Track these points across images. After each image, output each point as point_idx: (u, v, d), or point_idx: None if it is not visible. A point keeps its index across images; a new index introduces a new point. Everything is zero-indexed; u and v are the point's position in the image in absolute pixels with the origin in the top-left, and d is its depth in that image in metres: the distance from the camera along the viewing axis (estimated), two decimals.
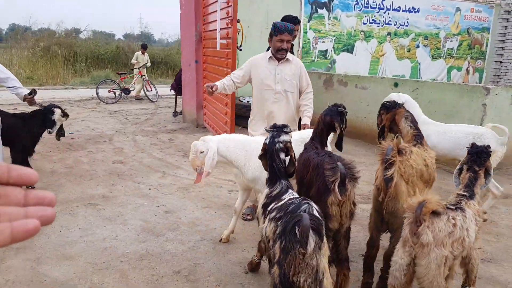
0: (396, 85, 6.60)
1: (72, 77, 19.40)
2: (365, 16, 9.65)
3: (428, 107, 6.12)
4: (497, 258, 3.52)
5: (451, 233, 2.15)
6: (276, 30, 3.76)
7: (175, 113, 9.67)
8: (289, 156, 2.48)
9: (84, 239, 3.57)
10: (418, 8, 10.26)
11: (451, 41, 11.07)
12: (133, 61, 13.01)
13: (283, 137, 2.46)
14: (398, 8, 9.98)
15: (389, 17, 9.95)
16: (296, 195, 2.27)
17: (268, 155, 2.45)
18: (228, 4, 5.60)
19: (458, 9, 10.95)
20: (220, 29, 5.95)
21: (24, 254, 3.25)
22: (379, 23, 9.86)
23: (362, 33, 9.70)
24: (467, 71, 11.62)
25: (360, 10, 9.54)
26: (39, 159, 5.75)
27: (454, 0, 10.81)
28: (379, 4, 9.74)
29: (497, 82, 11.93)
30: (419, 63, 10.72)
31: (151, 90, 12.76)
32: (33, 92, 4.40)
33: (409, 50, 10.42)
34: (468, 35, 11.34)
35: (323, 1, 9.03)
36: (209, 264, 3.25)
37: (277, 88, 3.90)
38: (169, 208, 4.28)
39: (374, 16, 9.75)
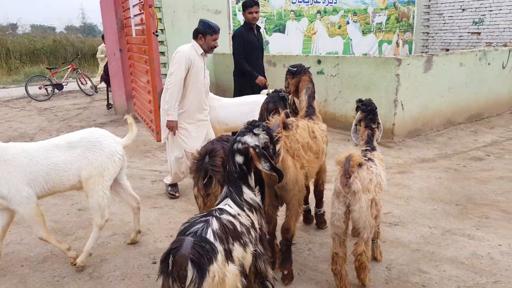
0: (319, 62, 6.70)
1: (6, 75, 18.31)
2: None
3: (349, 81, 6.29)
4: (404, 221, 3.71)
5: (371, 180, 2.56)
6: (211, 30, 3.96)
7: (109, 106, 9.36)
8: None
9: None
10: None
11: (379, 15, 11.35)
12: (99, 55, 12.08)
13: (246, 138, 2.15)
14: None
15: None
16: (221, 207, 2.03)
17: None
18: None
19: None
20: (134, 15, 5.76)
21: None
22: (308, 2, 9.92)
23: (292, 12, 9.73)
24: (397, 44, 12.00)
25: None
26: None
27: None
28: None
29: (426, 52, 12.40)
30: (351, 39, 10.94)
31: (86, 84, 12.27)
32: None
33: (339, 27, 10.59)
34: (395, 9, 11.67)
35: None
36: (117, 259, 3.20)
37: (206, 82, 4.24)
38: (84, 206, 4.16)
39: None
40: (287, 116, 3.39)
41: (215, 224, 1.80)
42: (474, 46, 11.41)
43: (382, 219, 3.70)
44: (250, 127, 2.23)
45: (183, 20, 8.07)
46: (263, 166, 2.12)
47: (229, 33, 8.75)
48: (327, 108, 6.67)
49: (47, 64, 18.90)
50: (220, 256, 1.71)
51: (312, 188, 3.54)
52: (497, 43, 11.31)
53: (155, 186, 4.73)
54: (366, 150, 2.90)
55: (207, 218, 1.84)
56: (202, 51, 4.03)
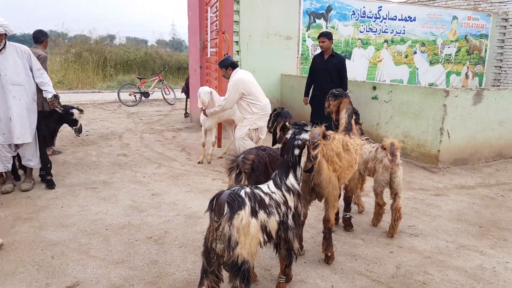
0: (374, 88, 7.24)
1: (102, 81, 20.71)
2: (362, 25, 10.29)
3: (400, 108, 6.75)
4: (425, 233, 4.15)
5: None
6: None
7: (186, 114, 10.58)
8: (307, 154, 2.85)
9: (80, 213, 4.43)
10: (415, 17, 10.80)
11: (449, 47, 11.51)
12: None
13: (303, 135, 2.85)
14: (394, 18, 10.56)
15: (386, 26, 10.54)
16: (267, 185, 2.74)
17: (286, 149, 2.85)
18: (216, 17, 6.43)
19: (455, 18, 11.40)
20: (211, 39, 6.79)
21: (30, 222, 4.15)
22: (375, 31, 10.46)
23: (359, 40, 10.33)
24: (466, 75, 12.00)
25: (357, 20, 10.20)
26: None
27: (450, 9, 11.26)
28: (376, 14, 10.36)
29: (498, 85, 12.22)
30: (417, 68, 11.22)
31: (169, 94, 13.78)
32: (53, 97, 5.00)
33: (406, 56, 10.94)
34: (466, 42, 11.73)
35: (320, 11, 9.76)
36: (177, 232, 4.04)
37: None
38: (156, 192, 5.11)
39: (371, 25, 10.38)
40: (328, 129, 4.14)
41: (248, 190, 2.55)
42: None
43: (404, 229, 4.22)
44: (302, 126, 2.96)
45: (257, 44, 9.04)
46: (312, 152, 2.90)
47: (297, 57, 9.57)
48: (379, 131, 7.16)
49: (138, 73, 21.08)
50: (248, 208, 2.44)
51: (342, 194, 4.16)
52: None
53: (215, 183, 5.57)
54: (367, 139, 4.31)
55: (244, 186, 2.60)
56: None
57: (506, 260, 3.63)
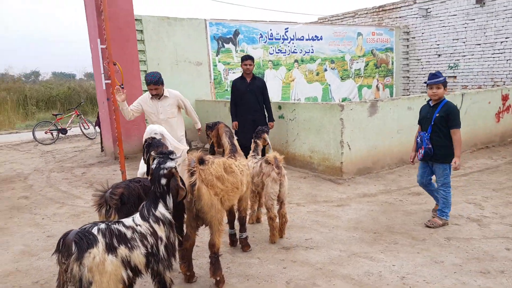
0: (279, 107, 7.47)
1: (24, 120, 19.63)
2: (271, 47, 10.67)
3: (304, 125, 7.00)
4: (320, 245, 4.25)
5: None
6: (146, 82, 5.30)
7: (102, 148, 10.22)
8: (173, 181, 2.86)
9: None
10: (321, 36, 11.40)
11: (357, 62, 12.24)
12: None
13: (169, 164, 2.85)
14: (302, 38, 11.07)
15: (294, 46, 11.01)
16: (132, 218, 2.70)
17: (152, 179, 2.83)
18: (106, 47, 6.32)
19: (359, 34, 12.18)
20: (103, 72, 6.68)
21: None
22: (285, 52, 10.88)
23: (270, 62, 10.68)
24: (377, 88, 12.79)
25: (265, 42, 10.56)
26: None
27: (354, 26, 12.03)
28: (283, 36, 10.81)
29: (408, 95, 13.12)
30: (329, 85, 11.78)
31: (88, 128, 13.31)
32: None
33: (317, 74, 11.47)
34: (373, 56, 12.54)
35: (228, 36, 10.00)
36: None
37: (161, 117, 5.36)
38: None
39: (280, 46, 10.79)
40: (212, 152, 4.19)
41: (102, 226, 2.47)
42: (452, 89, 12.10)
43: (301, 243, 4.30)
44: (167, 155, 2.94)
45: (166, 71, 9.02)
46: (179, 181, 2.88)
47: (211, 82, 9.67)
48: (288, 149, 7.36)
49: (63, 109, 20.21)
50: (102, 245, 2.37)
51: (237, 215, 4.18)
52: (472, 85, 11.99)
53: None
54: (253, 155, 4.71)
55: (98, 223, 2.51)
56: (151, 95, 5.38)
57: (392, 264, 3.79)
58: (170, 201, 2.92)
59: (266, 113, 6.86)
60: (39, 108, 20.95)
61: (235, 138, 4.21)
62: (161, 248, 2.76)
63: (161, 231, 2.78)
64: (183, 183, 3.01)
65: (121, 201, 3.03)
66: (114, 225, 2.58)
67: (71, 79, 31.51)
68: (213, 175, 3.41)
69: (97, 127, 10.55)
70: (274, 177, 4.16)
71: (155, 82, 5.20)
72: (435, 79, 4.36)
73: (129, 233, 2.62)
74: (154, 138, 3.99)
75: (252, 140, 4.79)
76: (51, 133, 12.69)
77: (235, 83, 6.95)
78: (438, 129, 4.42)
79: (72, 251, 2.27)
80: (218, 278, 3.47)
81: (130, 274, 2.56)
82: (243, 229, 4.17)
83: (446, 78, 4.78)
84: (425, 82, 4.59)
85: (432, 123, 4.44)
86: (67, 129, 13.16)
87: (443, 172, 4.48)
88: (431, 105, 4.54)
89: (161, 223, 2.80)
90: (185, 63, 9.34)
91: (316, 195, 5.95)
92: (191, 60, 9.46)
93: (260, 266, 3.84)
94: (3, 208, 5.78)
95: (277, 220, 4.31)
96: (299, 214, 5.20)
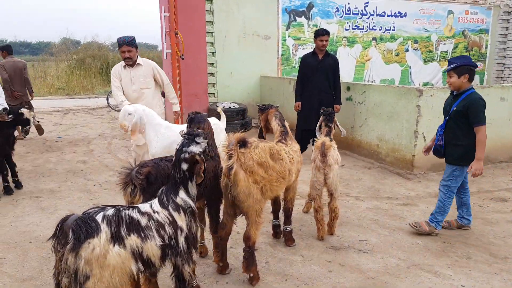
0: (348, 88, 6.79)
1: (104, 86, 20.70)
2: (347, 23, 9.82)
3: (374, 109, 6.29)
4: (376, 250, 3.69)
5: (333, 157, 3.83)
6: (118, 45, 4.73)
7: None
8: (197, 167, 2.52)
9: (12, 224, 4.14)
10: (405, 13, 10.27)
11: (445, 44, 10.93)
12: None
13: (192, 148, 2.50)
14: (383, 14, 10.05)
15: (374, 23, 10.04)
16: (150, 204, 2.39)
17: (174, 162, 2.52)
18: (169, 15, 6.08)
19: (450, 12, 10.81)
20: (164, 41, 6.47)
21: None
22: (362, 29, 9.98)
23: (344, 39, 9.86)
24: None
25: (341, 17, 9.73)
26: (17, 159, 6.47)
27: (445, 3, 10.69)
28: (362, 10, 9.87)
29: (501, 83, 11.57)
30: (410, 67, 10.68)
31: None
32: (3, 110, 4.82)
33: (397, 54, 10.42)
34: (464, 38, 11.13)
35: (301, 9, 9.33)
36: None
37: (133, 88, 4.89)
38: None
39: (357, 22, 9.90)
40: (260, 136, 3.76)
41: (109, 212, 2.16)
42: None
43: (353, 244, 3.78)
44: (192, 137, 2.58)
45: (233, 45, 8.69)
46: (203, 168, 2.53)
47: (278, 58, 9.17)
48: (353, 135, 6.71)
49: None
50: (105, 234, 2.06)
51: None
52: None
53: None
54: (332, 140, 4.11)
55: (106, 207, 2.20)
56: (124, 63, 4.88)
57: (461, 284, 3.16)
58: (193, 187, 2.56)
59: (334, 95, 6.28)
60: None
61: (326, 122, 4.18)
62: (181, 240, 2.43)
63: (181, 221, 2.44)
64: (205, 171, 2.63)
65: (148, 181, 2.74)
66: (126, 211, 2.26)
67: (154, 49, 32.79)
68: (255, 160, 2.99)
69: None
70: (317, 165, 3.79)
71: (128, 43, 4.71)
72: (448, 67, 3.75)
73: (144, 221, 2.29)
74: (198, 112, 3.65)
75: (323, 123, 4.26)
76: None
77: (304, 59, 6.42)
78: (455, 124, 3.76)
79: (69, 240, 1.98)
80: (251, 275, 3.10)
81: (142, 267, 2.24)
82: (287, 221, 3.74)
83: (469, 63, 3.71)
84: None
85: (448, 117, 3.81)
86: None
87: (451, 173, 3.83)
88: (453, 95, 3.87)
89: (181, 211, 2.46)
90: (253, 36, 8.91)
91: (379, 189, 5.31)
92: (259, 34, 9.00)
93: (302, 266, 3.41)
94: (61, 171, 5.90)
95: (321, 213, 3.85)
96: (357, 209, 4.63)
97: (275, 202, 3.77)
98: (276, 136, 3.62)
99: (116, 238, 2.12)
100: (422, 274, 3.28)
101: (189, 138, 2.59)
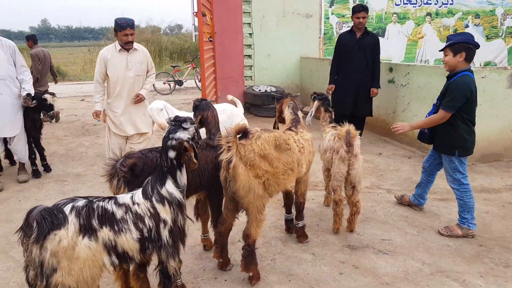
0: (391, 69, 6.22)
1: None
2: None
3: (418, 93, 5.72)
4: (398, 251, 3.32)
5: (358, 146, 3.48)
6: (119, 27, 4.40)
7: None
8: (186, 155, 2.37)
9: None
10: None
11: None
12: None
13: (179, 134, 2.35)
14: None
15: None
16: (132, 195, 2.28)
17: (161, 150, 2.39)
18: None
19: None
20: (193, 23, 6.26)
21: None
22: (415, 4, 9.11)
23: (394, 15, 9.08)
24: None
25: None
26: (53, 142, 6.71)
27: None
28: None
29: None
30: None
31: None
32: (26, 96, 4.81)
33: (455, 31, 9.43)
34: None
35: None
36: None
37: (129, 74, 4.64)
38: None
39: None
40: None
41: (80, 203, 2.06)
42: None
43: (374, 243, 3.41)
44: (179, 123, 2.40)
45: (272, 25, 8.31)
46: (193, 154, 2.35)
47: (320, 37, 8.66)
48: (395, 120, 6.14)
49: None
50: (73, 226, 1.97)
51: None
52: None
53: None
54: (334, 126, 3.73)
55: (78, 199, 2.10)
56: (120, 47, 4.53)
57: None
58: (182, 177, 2.38)
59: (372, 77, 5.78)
60: (172, 59, 22.30)
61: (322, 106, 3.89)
62: (164, 233, 2.29)
63: (165, 213, 2.30)
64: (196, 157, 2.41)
65: (133, 172, 2.58)
66: (100, 203, 2.15)
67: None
68: (256, 152, 2.72)
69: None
70: (341, 156, 3.42)
71: (131, 25, 4.44)
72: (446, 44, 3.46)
73: (119, 213, 2.18)
74: (204, 99, 3.42)
75: (322, 109, 3.93)
76: (169, 84, 13.24)
77: (341, 38, 6.03)
78: None
79: (33, 231, 1.91)
80: (250, 274, 2.88)
81: (116, 261, 2.13)
82: (299, 216, 3.45)
83: (468, 40, 3.35)
84: None
85: (437, 101, 3.57)
86: (183, 81, 13.56)
87: (450, 166, 3.55)
88: (447, 77, 3.60)
89: (166, 203, 2.31)
90: (293, 15, 8.46)
91: (416, 181, 4.76)
92: (300, 12, 8.52)
93: (311, 265, 3.12)
94: (91, 155, 6.00)
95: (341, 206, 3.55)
96: (385, 204, 4.21)
97: (287, 196, 3.49)
98: (287, 124, 3.33)
99: (87, 230, 2.03)
100: (446, 283, 2.87)
101: (176, 124, 2.40)
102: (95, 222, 2.06)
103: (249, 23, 8.15)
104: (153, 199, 2.28)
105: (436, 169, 3.86)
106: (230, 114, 4.73)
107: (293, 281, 2.93)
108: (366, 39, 5.75)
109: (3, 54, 4.65)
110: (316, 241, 3.48)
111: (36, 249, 1.92)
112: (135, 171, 2.60)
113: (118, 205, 2.19)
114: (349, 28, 5.96)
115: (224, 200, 2.98)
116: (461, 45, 3.33)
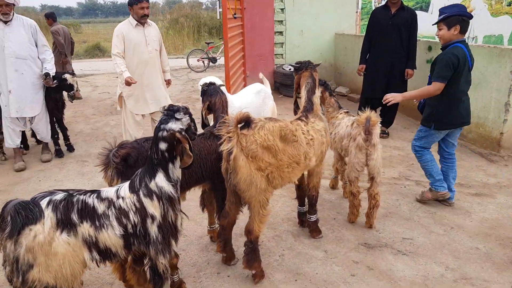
0: (430, 48, 5.71)
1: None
2: None
3: None
4: (420, 253, 3.05)
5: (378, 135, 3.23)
6: (135, 0, 4.31)
7: None
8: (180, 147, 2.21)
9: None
10: None
11: None
12: None
13: (171, 125, 2.16)
14: None
15: None
16: (117, 188, 2.17)
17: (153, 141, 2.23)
18: None
19: None
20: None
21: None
22: None
23: None
24: None
25: None
26: (81, 121, 6.79)
27: None
28: None
29: None
30: None
31: None
32: (46, 76, 4.75)
33: (509, 4, 8.55)
34: None
35: None
36: None
37: (149, 49, 4.60)
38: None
39: None
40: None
41: (58, 197, 1.98)
42: None
43: (393, 242, 3.15)
44: (171, 112, 2.23)
45: (304, 0, 7.87)
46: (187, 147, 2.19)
47: (357, 12, 8.13)
48: None
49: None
50: (49, 221, 1.89)
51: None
52: None
53: None
54: (347, 112, 3.61)
55: (56, 192, 2.02)
56: (136, 22, 4.46)
57: None
58: (175, 170, 2.22)
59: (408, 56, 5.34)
60: (211, 35, 22.11)
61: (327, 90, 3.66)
62: (152, 229, 2.16)
63: (153, 208, 2.16)
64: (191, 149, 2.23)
65: (127, 163, 2.46)
66: (81, 196, 2.05)
67: None
68: (259, 144, 2.53)
69: None
70: (359, 144, 3.20)
71: None
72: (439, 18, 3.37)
73: (101, 208, 2.08)
74: (213, 83, 3.22)
75: (326, 93, 3.75)
76: (203, 61, 13.09)
77: (375, 13, 5.62)
78: (430, 81, 3.46)
79: (7, 225, 1.86)
80: (253, 272, 2.72)
81: (97, 257, 2.05)
82: (312, 210, 3.22)
83: (461, 12, 3.26)
84: None
85: (430, 74, 3.50)
86: (217, 58, 13.37)
87: (418, 132, 3.69)
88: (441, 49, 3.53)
89: (155, 197, 2.16)
90: None
91: None
92: None
93: (321, 264, 2.92)
94: (115, 134, 5.98)
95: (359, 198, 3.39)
96: (411, 198, 3.89)
97: (299, 187, 3.27)
98: (300, 111, 3.06)
99: (65, 225, 1.95)
100: None
101: (168, 114, 2.22)
102: (74, 217, 1.97)
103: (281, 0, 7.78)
104: (140, 193, 2.15)
105: (446, 151, 3.71)
106: (264, 96, 4.53)
107: (299, 281, 2.74)
108: (402, 15, 5.29)
109: (25, 33, 4.63)
110: (330, 237, 3.26)
111: (10, 245, 1.86)
112: (129, 161, 2.47)
113: (101, 199, 2.09)
114: (384, 2, 5.49)
115: (227, 193, 2.81)
116: (455, 18, 3.26)
